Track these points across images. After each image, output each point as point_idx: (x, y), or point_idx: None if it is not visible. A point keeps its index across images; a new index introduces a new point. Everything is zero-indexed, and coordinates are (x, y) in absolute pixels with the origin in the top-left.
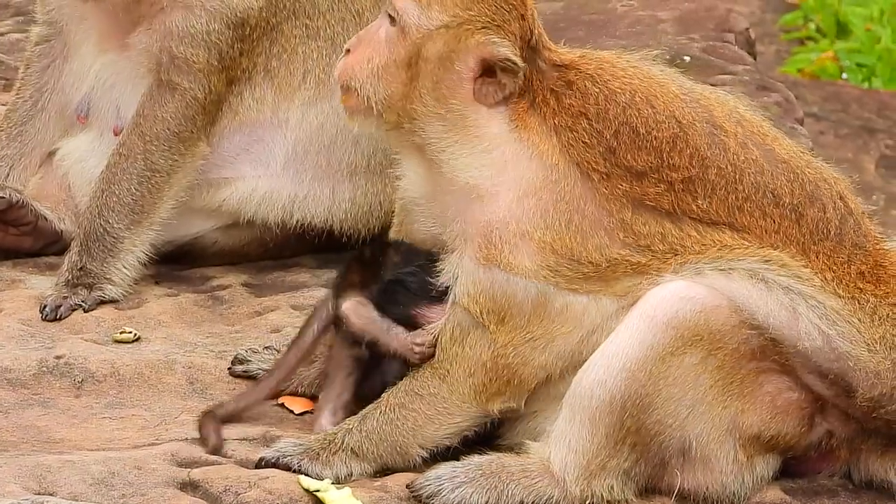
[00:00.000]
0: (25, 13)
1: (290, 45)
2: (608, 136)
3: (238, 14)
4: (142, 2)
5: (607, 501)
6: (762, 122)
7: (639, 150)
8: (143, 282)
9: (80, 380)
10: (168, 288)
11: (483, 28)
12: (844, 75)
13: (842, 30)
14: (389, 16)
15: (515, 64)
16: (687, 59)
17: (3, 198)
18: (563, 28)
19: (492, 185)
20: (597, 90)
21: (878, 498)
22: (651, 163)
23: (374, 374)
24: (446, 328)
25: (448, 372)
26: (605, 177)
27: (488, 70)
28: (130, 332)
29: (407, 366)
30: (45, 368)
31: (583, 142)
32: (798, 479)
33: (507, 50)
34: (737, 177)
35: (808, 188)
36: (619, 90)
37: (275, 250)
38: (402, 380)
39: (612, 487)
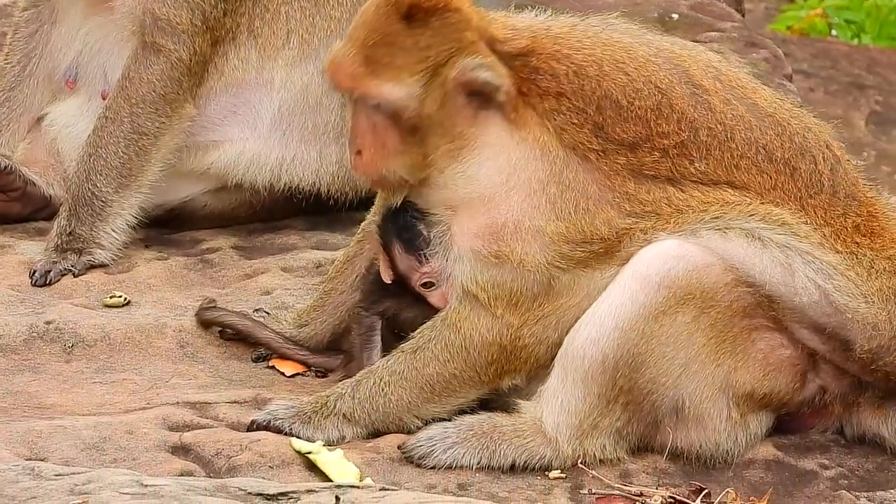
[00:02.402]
0: None
1: (272, 5)
2: (592, 112)
3: None
4: None
5: (599, 461)
6: (739, 74)
7: (625, 121)
8: (132, 246)
9: (70, 345)
10: (158, 252)
11: (450, 60)
12: (833, 32)
13: None
14: (372, 106)
15: (494, 79)
16: (675, 16)
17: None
18: None
19: (504, 190)
20: (564, 67)
21: (871, 452)
22: (640, 133)
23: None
24: (454, 311)
25: (459, 353)
26: (601, 154)
27: (474, 92)
28: (120, 297)
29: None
30: (35, 334)
31: (572, 123)
32: (791, 435)
33: (480, 71)
34: (728, 135)
35: (797, 140)
36: (585, 62)
37: (264, 213)
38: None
39: (604, 447)
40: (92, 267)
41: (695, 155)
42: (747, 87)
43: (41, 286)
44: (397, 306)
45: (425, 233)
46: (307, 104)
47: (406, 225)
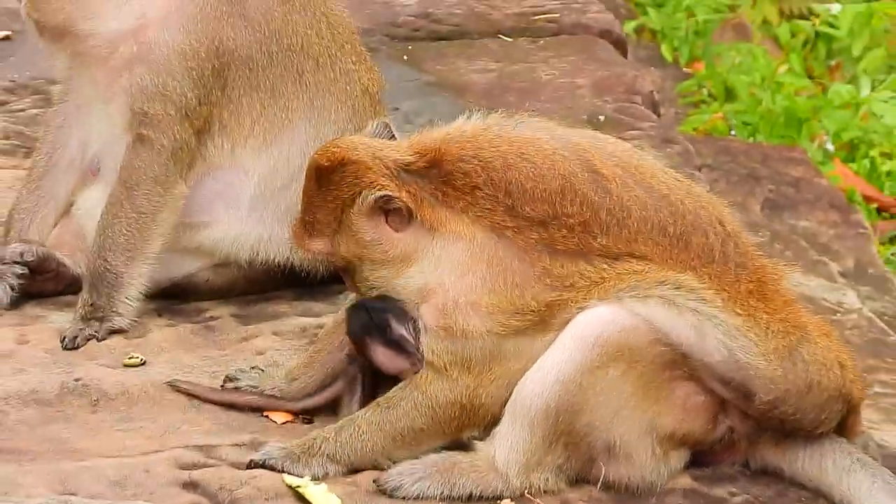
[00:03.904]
0: (43, 92)
1: (234, 96)
2: (502, 197)
3: (189, 65)
4: (108, 59)
5: (543, 491)
6: (641, 162)
7: (533, 202)
8: (147, 315)
9: (95, 398)
10: (168, 320)
11: (352, 201)
12: (733, 132)
13: (729, 94)
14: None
15: (392, 196)
16: (602, 117)
17: (32, 259)
18: (497, 94)
19: (437, 280)
20: (472, 166)
21: (771, 481)
22: (548, 212)
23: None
24: (421, 375)
25: (426, 411)
26: (517, 230)
27: (385, 211)
28: (138, 357)
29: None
30: (66, 389)
31: (486, 208)
32: (704, 468)
33: (375, 193)
34: (625, 214)
35: (689, 218)
36: (491, 158)
37: (258, 286)
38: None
39: (547, 480)
40: (112, 332)
41: (597, 231)
42: (646, 172)
43: (70, 350)
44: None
45: (399, 328)
46: (276, 187)
47: (379, 323)
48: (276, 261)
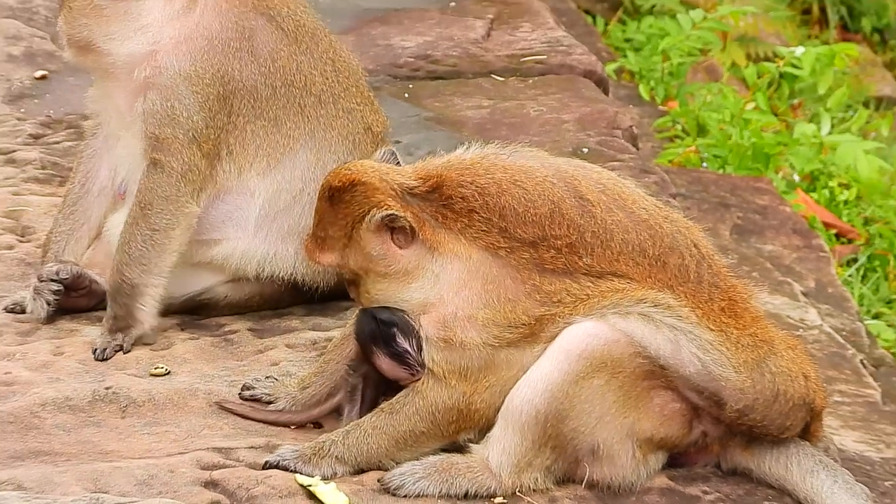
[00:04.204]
0: (76, 127)
1: (240, 123)
2: (496, 220)
3: (194, 89)
4: (126, 82)
5: (532, 490)
6: (623, 189)
7: (525, 224)
8: (171, 329)
9: (124, 405)
10: (191, 333)
11: (361, 218)
12: (704, 164)
13: (701, 130)
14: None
15: (397, 215)
16: (585, 150)
17: (67, 277)
18: (490, 129)
19: (436, 296)
20: (469, 191)
21: (741, 481)
22: (538, 234)
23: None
24: (423, 382)
25: (427, 416)
26: (509, 251)
27: (390, 228)
28: (163, 368)
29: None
30: (97, 397)
31: (482, 230)
32: (680, 468)
33: (383, 212)
34: (608, 237)
35: (667, 240)
36: (487, 184)
37: (272, 303)
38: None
39: (536, 479)
40: (136, 341)
41: (582, 252)
42: (627, 198)
43: (101, 360)
44: (375, 373)
45: (403, 343)
46: (279, 208)
47: (385, 334)
48: (281, 276)
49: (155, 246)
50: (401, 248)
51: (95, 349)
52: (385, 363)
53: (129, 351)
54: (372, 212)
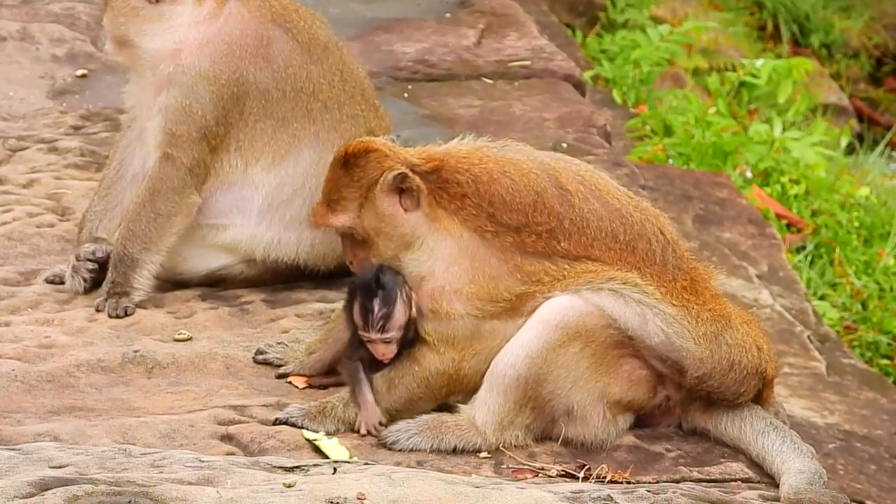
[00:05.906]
0: (112, 119)
1: (250, 121)
2: (485, 206)
3: (211, 88)
4: (152, 76)
5: (514, 446)
6: (599, 180)
7: (510, 212)
8: (193, 300)
9: (150, 367)
10: (211, 304)
11: (375, 181)
12: (670, 161)
13: (668, 130)
14: (341, 233)
15: (408, 175)
16: (564, 145)
17: (102, 255)
18: (479, 125)
19: (428, 268)
20: (464, 178)
21: (700, 440)
22: (521, 220)
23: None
24: (417, 349)
25: (420, 380)
26: (495, 234)
27: (399, 191)
28: (185, 334)
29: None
30: (126, 359)
31: (472, 214)
32: (645, 428)
33: (397, 173)
34: (584, 224)
35: (637, 227)
36: (480, 172)
37: (284, 277)
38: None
39: (517, 436)
40: (130, 306)
41: (560, 238)
42: (603, 189)
43: (113, 317)
44: (369, 355)
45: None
46: (282, 199)
47: (368, 290)
48: (284, 261)
49: (157, 228)
50: (406, 210)
51: (97, 306)
52: (355, 314)
53: (126, 315)
54: (385, 174)
